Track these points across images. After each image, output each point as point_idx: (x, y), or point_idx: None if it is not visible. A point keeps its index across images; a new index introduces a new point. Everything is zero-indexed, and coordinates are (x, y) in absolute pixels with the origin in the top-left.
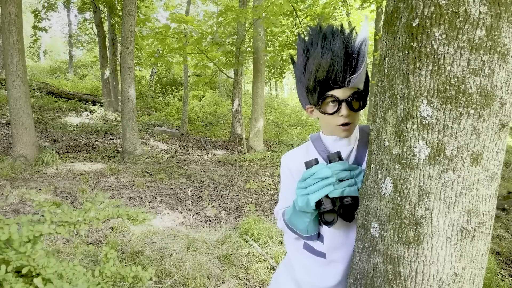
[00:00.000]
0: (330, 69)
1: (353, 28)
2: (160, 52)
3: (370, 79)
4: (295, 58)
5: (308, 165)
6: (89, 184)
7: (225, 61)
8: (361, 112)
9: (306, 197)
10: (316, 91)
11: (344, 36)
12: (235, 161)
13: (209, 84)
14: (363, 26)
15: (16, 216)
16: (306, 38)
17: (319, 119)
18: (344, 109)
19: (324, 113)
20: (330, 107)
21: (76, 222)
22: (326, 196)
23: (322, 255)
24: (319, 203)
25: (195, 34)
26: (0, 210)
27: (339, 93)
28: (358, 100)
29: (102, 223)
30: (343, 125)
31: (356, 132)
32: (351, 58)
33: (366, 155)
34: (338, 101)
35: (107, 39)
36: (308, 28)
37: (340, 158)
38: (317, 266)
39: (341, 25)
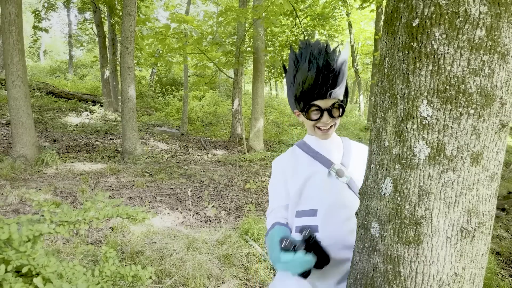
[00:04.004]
0: (315, 83)
1: (337, 47)
2: (160, 52)
3: (349, 90)
4: (287, 66)
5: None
6: (89, 184)
7: (225, 61)
8: (360, 113)
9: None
10: (302, 100)
11: (328, 54)
12: (235, 161)
13: (209, 84)
14: (345, 49)
15: (16, 216)
16: (297, 50)
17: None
18: (325, 117)
19: (309, 119)
20: (314, 114)
21: (75, 221)
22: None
23: None
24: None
25: (195, 34)
26: (0, 210)
27: (321, 103)
28: (338, 108)
29: (101, 222)
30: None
31: (338, 139)
32: (333, 75)
33: (350, 162)
34: (321, 110)
35: (107, 39)
36: (299, 42)
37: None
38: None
39: (327, 43)
